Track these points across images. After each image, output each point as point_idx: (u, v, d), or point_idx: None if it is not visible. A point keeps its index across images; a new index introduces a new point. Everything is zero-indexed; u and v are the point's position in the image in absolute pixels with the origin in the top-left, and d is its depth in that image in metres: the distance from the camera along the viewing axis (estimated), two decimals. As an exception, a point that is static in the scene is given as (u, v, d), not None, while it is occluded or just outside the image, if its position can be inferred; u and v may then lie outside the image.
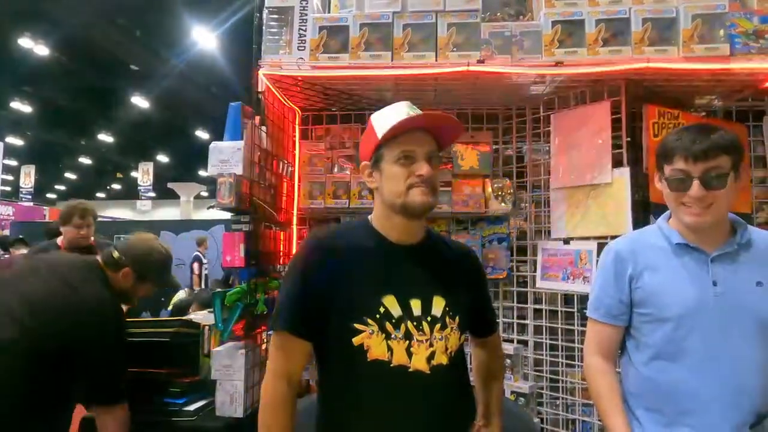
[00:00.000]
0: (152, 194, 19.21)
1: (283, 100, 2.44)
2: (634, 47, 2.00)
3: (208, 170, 2.04)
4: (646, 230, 1.42)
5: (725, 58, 1.99)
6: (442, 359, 1.11)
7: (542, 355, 2.45)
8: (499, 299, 2.58)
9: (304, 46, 2.13)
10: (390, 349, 1.08)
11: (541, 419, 2.33)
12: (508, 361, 2.42)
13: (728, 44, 2.00)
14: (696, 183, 1.19)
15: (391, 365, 1.09)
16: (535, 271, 2.45)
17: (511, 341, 2.51)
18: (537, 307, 2.47)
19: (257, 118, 2.19)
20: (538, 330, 2.49)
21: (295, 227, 2.58)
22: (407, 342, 1.10)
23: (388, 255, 1.17)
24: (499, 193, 2.52)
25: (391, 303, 1.11)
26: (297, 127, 2.64)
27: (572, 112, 2.35)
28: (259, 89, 2.22)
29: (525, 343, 2.50)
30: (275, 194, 2.39)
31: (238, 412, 1.92)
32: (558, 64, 2.03)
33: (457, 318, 1.15)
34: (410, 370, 1.09)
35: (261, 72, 2.16)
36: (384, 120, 1.16)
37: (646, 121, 2.25)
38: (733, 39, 2.15)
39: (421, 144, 1.15)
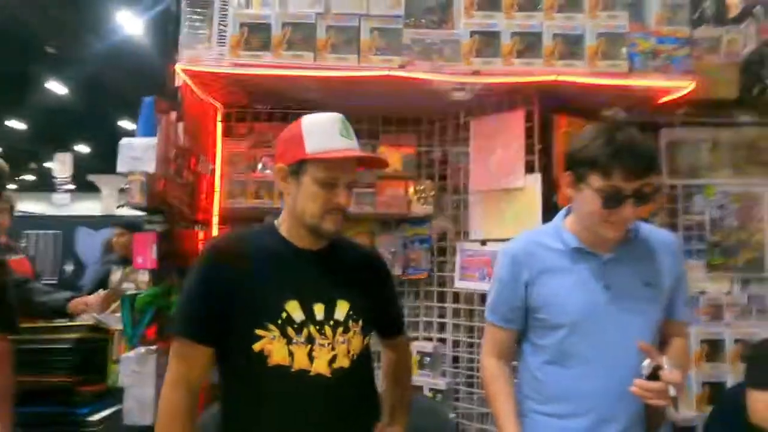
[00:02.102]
0: (70, 187, 17.96)
1: (202, 95, 2.37)
2: (545, 60, 2.12)
3: (117, 167, 1.95)
4: (544, 231, 1.40)
5: (624, 75, 2.14)
6: (343, 362, 1.13)
7: (460, 352, 2.54)
8: (420, 299, 2.64)
9: (225, 42, 2.08)
10: (291, 353, 1.09)
11: (457, 414, 2.41)
12: (428, 359, 2.50)
13: (627, 62, 2.16)
14: (629, 203, 1.15)
15: (292, 370, 1.09)
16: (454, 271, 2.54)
17: (431, 339, 2.58)
18: (456, 306, 2.55)
19: (174, 114, 2.11)
20: (457, 328, 2.57)
21: (216, 227, 2.51)
22: (309, 346, 1.11)
23: (292, 260, 1.17)
24: (422, 195, 2.59)
25: (293, 308, 1.11)
26: (218, 124, 2.57)
27: (490, 119, 2.45)
28: (177, 84, 2.15)
29: (444, 341, 2.59)
30: (194, 193, 2.32)
31: (148, 420, 1.85)
32: (475, 73, 2.11)
33: (360, 321, 1.18)
34: (311, 374, 1.10)
35: (178, 66, 2.09)
36: (315, 134, 1.13)
37: (557, 130, 2.39)
38: (634, 57, 2.32)
39: (346, 172, 1.14)
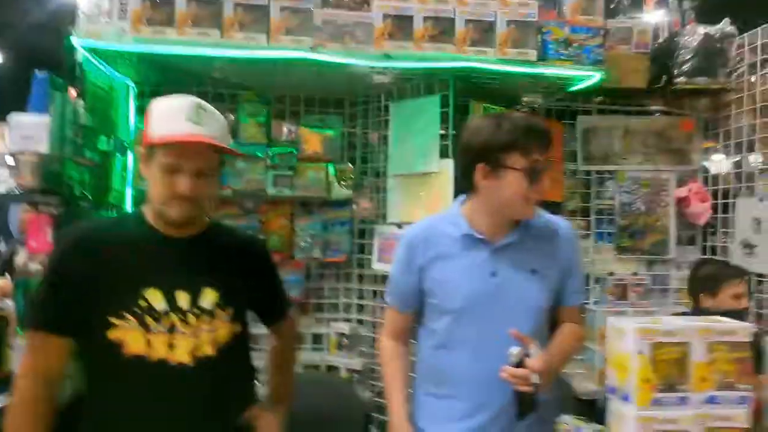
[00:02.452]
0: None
1: (108, 71, 2.27)
2: (456, 46, 2.13)
3: (8, 146, 1.85)
4: (442, 217, 1.42)
5: (533, 62, 2.19)
6: (208, 351, 1.13)
7: (378, 333, 2.59)
8: (340, 281, 2.67)
9: (126, 16, 1.99)
10: (149, 343, 1.08)
11: (373, 393, 2.46)
12: (345, 340, 2.53)
13: (536, 50, 2.20)
14: (545, 175, 1.24)
15: (150, 360, 1.08)
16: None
17: (350, 321, 2.62)
18: (375, 288, 2.59)
19: (73, 90, 2.02)
20: (376, 310, 2.62)
21: (130, 209, 2.44)
22: (169, 335, 1.10)
23: (155, 247, 1.15)
24: (342, 178, 2.59)
25: (153, 296, 1.10)
26: (130, 102, 2.47)
27: (408, 103, 2.46)
28: (77, 59, 2.05)
29: (362, 322, 2.63)
30: (102, 174, 2.24)
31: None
32: (386, 56, 2.10)
33: (230, 309, 1.17)
34: (171, 364, 1.10)
35: (76, 41, 1.99)
36: (160, 118, 1.10)
37: (472, 115, 2.42)
38: (547, 45, 2.37)
39: (191, 158, 1.09)
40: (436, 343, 1.34)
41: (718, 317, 1.09)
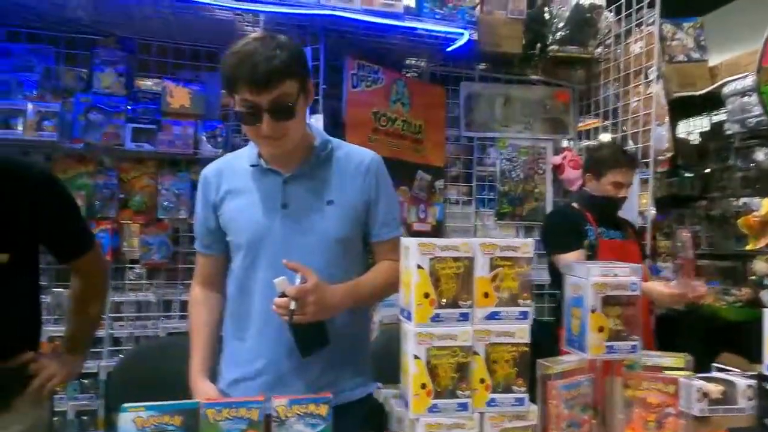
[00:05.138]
0: None
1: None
2: (322, -6, 2.06)
3: None
4: (241, 151, 1.31)
5: (401, 15, 2.15)
6: None
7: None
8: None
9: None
10: None
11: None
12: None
13: (402, 3, 2.16)
14: (266, 117, 1.09)
15: None
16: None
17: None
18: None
19: None
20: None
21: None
22: None
23: None
24: (212, 135, 2.45)
25: None
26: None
27: (280, 57, 2.35)
28: None
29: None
30: None
31: None
32: (246, -1, 1.99)
33: None
34: None
35: None
36: None
37: (347, 71, 2.36)
38: (422, 3, 2.35)
39: None
40: (236, 283, 1.25)
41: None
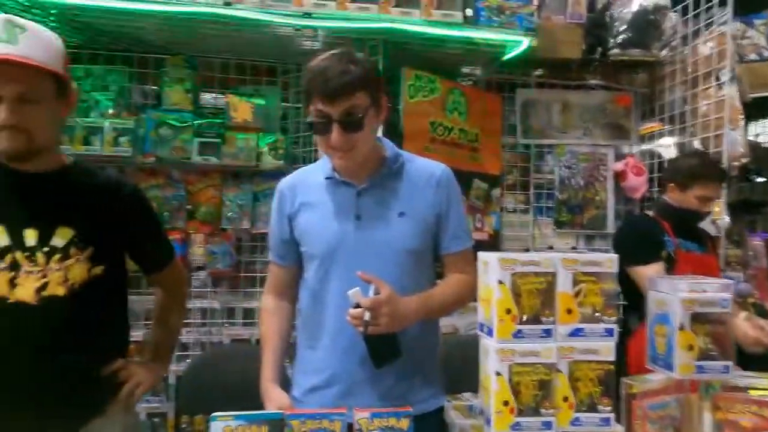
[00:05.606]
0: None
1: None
2: (380, 6, 2.08)
3: None
4: (315, 165, 1.37)
5: (460, 25, 2.15)
6: (57, 291, 1.06)
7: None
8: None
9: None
10: None
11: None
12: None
13: (462, 12, 2.16)
14: (336, 127, 1.12)
15: None
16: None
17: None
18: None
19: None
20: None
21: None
22: (12, 273, 1.03)
23: (1, 183, 1.07)
24: (273, 147, 2.52)
25: None
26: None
27: (338, 70, 2.40)
28: None
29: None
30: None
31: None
32: (306, 15, 2.04)
33: (89, 249, 1.10)
34: (10, 301, 1.03)
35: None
36: None
37: (403, 83, 2.38)
38: (480, 11, 2.34)
39: (7, 82, 0.99)
40: (309, 293, 1.29)
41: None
